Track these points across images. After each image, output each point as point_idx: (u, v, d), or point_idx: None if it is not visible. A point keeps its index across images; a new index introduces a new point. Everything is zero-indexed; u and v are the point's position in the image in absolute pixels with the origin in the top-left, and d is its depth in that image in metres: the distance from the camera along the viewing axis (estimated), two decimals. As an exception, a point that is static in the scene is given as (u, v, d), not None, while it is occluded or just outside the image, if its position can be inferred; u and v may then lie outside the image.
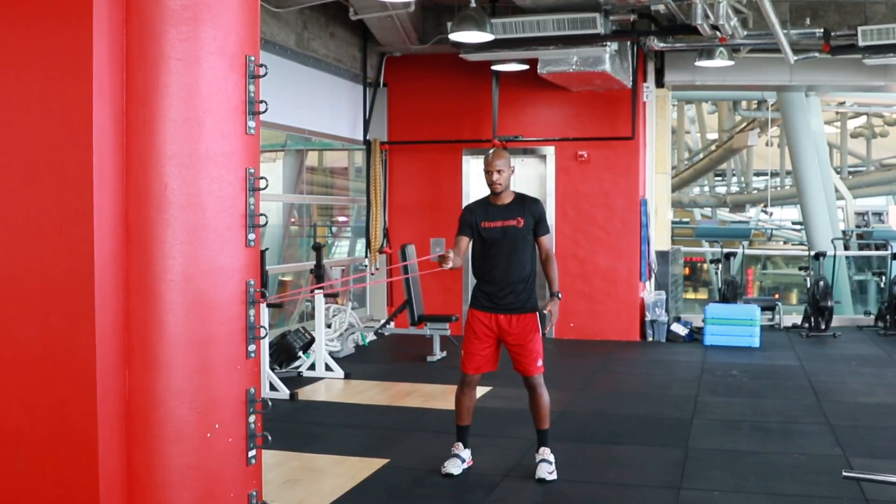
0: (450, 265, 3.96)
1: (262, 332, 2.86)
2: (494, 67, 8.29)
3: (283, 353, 6.70)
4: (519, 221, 4.15)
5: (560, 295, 4.18)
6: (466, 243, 4.21)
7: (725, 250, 9.75)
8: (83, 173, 2.55)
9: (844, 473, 3.44)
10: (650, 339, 8.47)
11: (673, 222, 10.05)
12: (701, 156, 21.64)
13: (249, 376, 2.83)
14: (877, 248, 10.74)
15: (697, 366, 7.24)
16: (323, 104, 8.17)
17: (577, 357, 7.73)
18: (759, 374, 6.87)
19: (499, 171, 4.14)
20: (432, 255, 8.37)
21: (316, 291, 6.72)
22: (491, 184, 4.16)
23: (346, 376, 6.60)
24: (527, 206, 4.19)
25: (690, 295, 15.91)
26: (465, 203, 8.63)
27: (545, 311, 4.12)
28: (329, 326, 7.92)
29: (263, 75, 2.84)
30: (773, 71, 8.49)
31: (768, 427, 5.18)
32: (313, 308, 6.86)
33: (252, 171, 2.83)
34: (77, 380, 2.55)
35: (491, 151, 4.22)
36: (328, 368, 6.67)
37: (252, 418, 2.81)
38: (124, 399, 2.61)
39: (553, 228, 8.61)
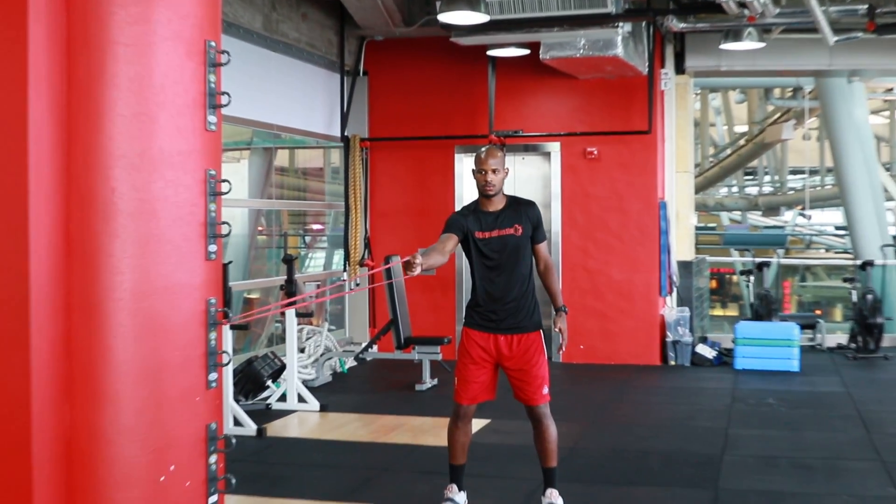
0: (418, 270, 3.76)
1: (225, 359, 2.87)
2: (490, 53, 8.33)
3: (250, 382, 6.70)
4: (517, 229, 4.17)
5: (566, 309, 4.22)
6: (453, 243, 4.15)
7: (758, 260, 9.78)
8: (16, 176, 2.54)
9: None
10: (672, 362, 8.50)
11: (697, 228, 10.08)
12: (728, 152, 21.75)
13: (210, 409, 2.83)
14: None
15: (727, 393, 7.25)
16: (294, 96, 8.21)
17: (589, 384, 7.73)
18: (798, 402, 6.89)
19: (493, 172, 4.16)
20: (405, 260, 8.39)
21: (287, 310, 6.73)
22: (483, 186, 4.17)
23: (322, 408, 6.60)
24: (522, 210, 4.22)
25: (718, 311, 15.97)
26: (457, 207, 8.66)
27: (555, 329, 4.14)
28: (302, 351, 7.93)
29: (226, 63, 2.85)
30: (811, 54, 8.57)
31: (811, 464, 5.19)
32: (284, 330, 6.89)
33: (213, 172, 2.84)
34: (7, 416, 2.54)
35: (483, 149, 4.25)
36: (301, 399, 6.67)
37: (213, 458, 2.80)
38: (64, 438, 2.59)
39: (559, 236, 8.73)
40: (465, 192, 8.73)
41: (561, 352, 4.19)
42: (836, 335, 9.50)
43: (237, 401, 6.33)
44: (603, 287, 8.62)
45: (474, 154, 4.27)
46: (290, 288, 6.94)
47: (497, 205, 4.22)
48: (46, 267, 2.58)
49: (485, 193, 4.19)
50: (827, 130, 14.67)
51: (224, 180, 2.89)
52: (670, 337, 8.51)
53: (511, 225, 4.17)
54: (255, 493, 4.60)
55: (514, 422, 5.66)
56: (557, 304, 4.20)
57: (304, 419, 6.42)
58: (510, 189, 8.39)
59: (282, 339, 7.84)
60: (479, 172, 4.19)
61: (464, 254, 4.31)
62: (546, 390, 4.19)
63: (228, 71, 2.96)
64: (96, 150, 2.64)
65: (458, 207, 8.63)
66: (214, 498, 2.80)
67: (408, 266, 3.84)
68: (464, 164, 8.83)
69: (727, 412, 6.55)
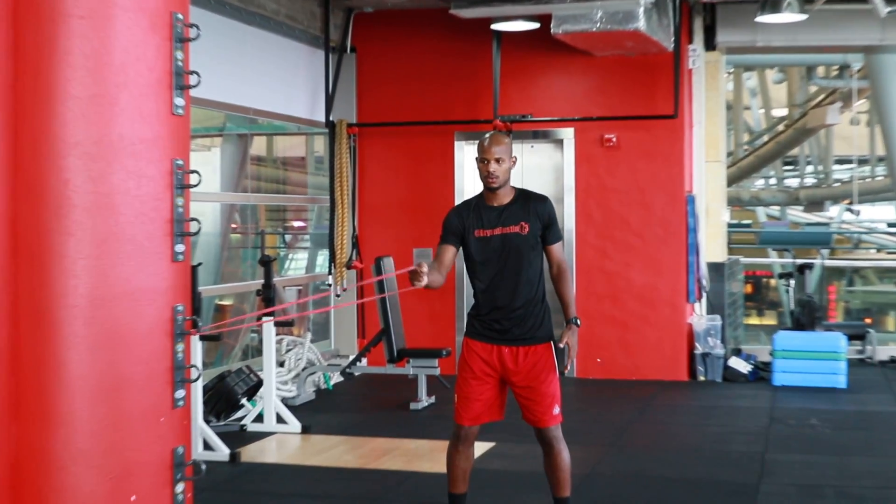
0: (424, 282, 3.88)
1: (194, 373, 2.88)
2: (495, 27, 8.30)
3: (222, 400, 6.69)
4: (523, 227, 4.16)
5: (579, 321, 4.19)
6: (451, 255, 4.23)
7: (799, 261, 9.78)
8: (-45, 166, 2.56)
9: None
10: (701, 378, 8.46)
11: (730, 225, 10.07)
12: (765, 139, 21.74)
13: (176, 431, 2.83)
14: None
15: (764, 413, 7.25)
16: (272, 75, 8.20)
17: (606, 402, 7.72)
18: (846, 423, 6.89)
19: (497, 161, 4.14)
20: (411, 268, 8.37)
21: (264, 319, 6.73)
22: (486, 177, 4.16)
23: (304, 430, 6.60)
24: (531, 206, 4.21)
25: (754, 320, 15.94)
26: (457, 202, 8.61)
27: (561, 343, 4.13)
28: (281, 365, 7.91)
29: (194, 38, 2.85)
30: (859, 27, 8.54)
31: (861, 494, 5.16)
32: (261, 341, 6.88)
33: (180, 162, 2.84)
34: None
35: (487, 135, 4.24)
36: (280, 420, 6.66)
37: (180, 487, 2.81)
38: (9, 463, 2.59)
39: (572, 234, 8.65)
40: (467, 184, 8.69)
41: (566, 370, 4.15)
42: (888, 347, 9.47)
43: (207, 421, 6.29)
44: (622, 292, 8.58)
45: (477, 141, 4.27)
46: (267, 293, 6.91)
47: (502, 199, 4.20)
48: (-10, 269, 2.58)
49: (488, 186, 4.18)
50: (878, 114, 14.65)
51: (193, 171, 2.89)
52: (699, 349, 8.45)
53: (516, 222, 4.16)
54: (227, 526, 4.61)
55: (522, 445, 5.63)
56: (569, 314, 4.18)
57: (283, 442, 6.41)
58: (517, 181, 8.40)
59: (258, 351, 7.74)
60: (482, 162, 4.17)
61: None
62: (557, 410, 4.18)
63: (198, 47, 2.96)
64: (47, 137, 2.64)
65: (458, 201, 8.65)
66: (181, 531, 2.81)
67: (414, 276, 3.88)
68: (465, 153, 8.79)
69: (764, 435, 6.53)
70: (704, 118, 8.91)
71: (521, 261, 4.16)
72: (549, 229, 4.20)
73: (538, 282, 4.21)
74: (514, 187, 4.26)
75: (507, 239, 4.16)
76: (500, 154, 4.15)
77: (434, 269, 4.10)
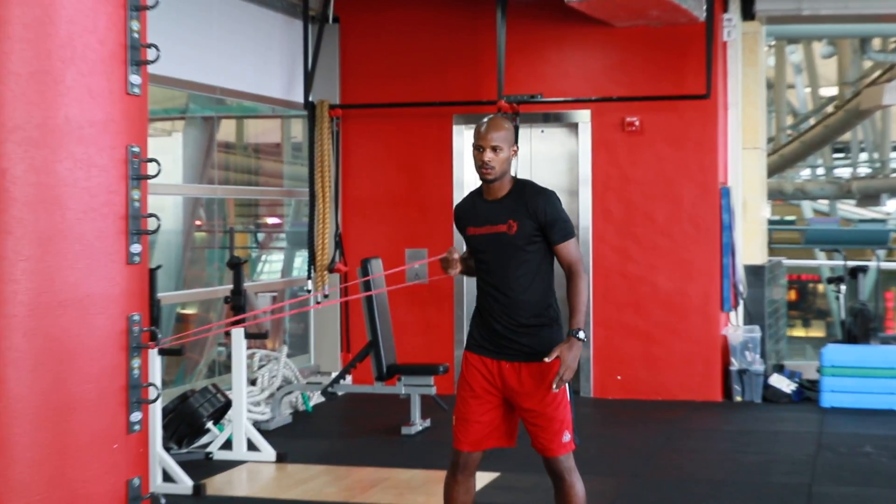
0: (458, 270, 4.23)
1: (152, 393, 2.88)
2: (501, -7, 8.39)
3: (184, 424, 6.69)
4: (510, 226, 4.18)
5: (582, 335, 4.07)
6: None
7: (851, 264, 9.78)
8: None
9: None
10: (738, 398, 8.44)
11: (771, 222, 10.08)
12: (812, 122, 21.75)
13: (131, 460, 2.83)
14: None
15: (811, 439, 7.24)
16: (243, 49, 8.20)
17: (628, 426, 7.71)
18: (905, 451, 6.98)
19: (494, 149, 4.16)
20: (409, 267, 8.34)
21: (233, 330, 6.72)
22: (480, 167, 4.19)
23: (280, 459, 6.60)
24: (525, 200, 4.21)
25: (799, 332, 15.93)
26: (456, 196, 8.64)
27: (547, 358, 4.03)
28: (253, 383, 7.88)
29: (153, 6, 2.86)
30: (921, -7, 8.57)
31: (919, 531, 5.24)
32: (229, 356, 6.85)
33: (136, 149, 2.84)
34: None
35: (486, 119, 4.26)
36: (252, 447, 6.65)
37: (136, 524, 2.80)
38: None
39: (588, 233, 8.68)
40: (468, 174, 8.65)
41: (554, 389, 4.05)
42: (953, 363, 9.51)
43: (168, 449, 6.26)
44: (647, 300, 8.57)
45: None
46: (237, 301, 6.93)
47: (498, 192, 4.24)
48: (-84, 273, 2.58)
49: (482, 177, 4.21)
50: (942, 94, 14.65)
51: (151, 160, 2.91)
52: (735, 365, 8.44)
53: (504, 220, 4.19)
54: (190, 569, 4.61)
55: (530, 476, 5.66)
56: (571, 324, 4.07)
57: (255, 472, 6.39)
58: (524, 171, 8.42)
59: (226, 367, 7.73)
60: (477, 149, 4.19)
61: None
62: (568, 437, 4.17)
63: (156, 16, 2.96)
64: (-18, 120, 2.64)
65: (456, 196, 8.65)
66: (137, 576, 2.81)
67: (446, 264, 4.12)
68: (465, 139, 8.79)
69: (811, 464, 6.53)
70: (741, 98, 8.94)
71: (509, 263, 4.18)
72: (550, 228, 4.18)
73: (538, 288, 4.20)
74: (514, 178, 4.28)
75: (493, 239, 4.19)
76: (499, 141, 4.15)
77: (467, 257, 4.28)
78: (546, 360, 4.02)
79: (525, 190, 4.24)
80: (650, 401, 8.46)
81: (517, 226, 4.16)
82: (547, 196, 4.22)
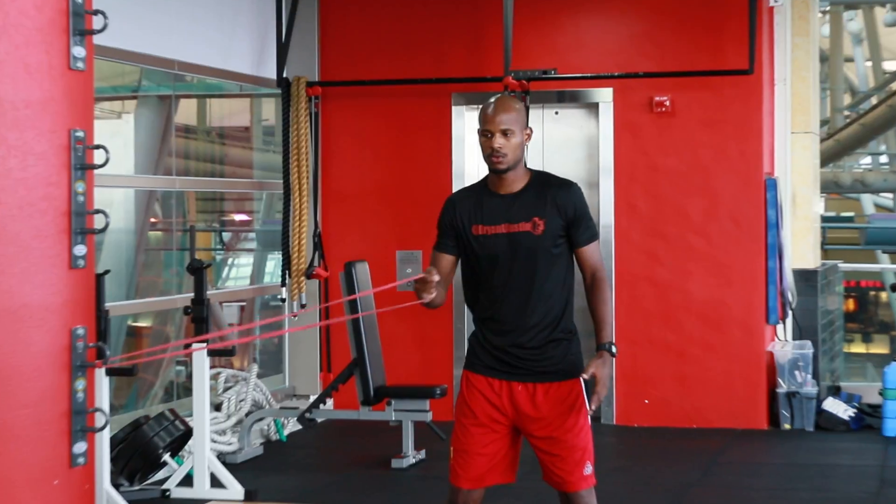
0: (432, 296, 4.05)
1: (100, 420, 2.89)
2: (507, -50, 8.37)
3: (137, 456, 6.65)
4: (536, 224, 4.20)
5: (615, 349, 4.19)
6: (449, 266, 4.31)
7: (918, 268, 9.79)
8: None
9: None
10: (787, 425, 8.44)
11: (824, 219, 10.06)
12: (874, 101, 21.72)
13: (74, 498, 2.82)
14: None
15: (873, 474, 7.23)
16: (206, 18, 8.18)
17: (658, 458, 7.70)
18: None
19: (504, 134, 4.18)
20: (402, 280, 8.33)
21: (194, 346, 6.69)
22: (489, 155, 4.20)
23: (249, 496, 6.56)
24: (550, 195, 4.23)
25: (858, 348, 15.91)
26: (457, 188, 8.61)
27: (586, 374, 4.13)
28: (218, 408, 7.88)
29: (98, -34, 2.85)
30: None
31: None
32: (190, 376, 6.98)
33: (80, 134, 2.84)
34: None
35: (493, 99, 4.28)
36: (216, 483, 6.62)
37: (80, 573, 2.81)
38: None
39: (610, 231, 8.66)
40: (469, 163, 8.72)
41: (591, 411, 4.15)
42: None
43: (117, 486, 6.24)
44: (679, 310, 8.58)
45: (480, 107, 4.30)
46: (199, 312, 6.93)
47: (512, 185, 4.25)
48: None
49: (492, 167, 4.23)
50: None
51: (98, 146, 2.89)
52: (783, 387, 8.44)
53: (527, 217, 4.20)
54: None
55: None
56: (602, 337, 4.19)
57: (219, 513, 6.41)
58: (535, 161, 8.40)
59: (186, 389, 7.77)
60: (485, 135, 4.20)
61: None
62: (590, 469, 4.18)
63: (103, -21, 2.96)
64: None
65: (456, 189, 8.63)
66: None
67: (422, 286, 4.01)
68: (466, 122, 8.77)
69: (873, 503, 6.52)
70: (790, 74, 9.02)
71: (535, 268, 4.19)
72: (577, 226, 4.22)
73: (562, 296, 4.25)
74: (530, 170, 4.30)
75: (514, 239, 4.20)
76: (509, 124, 4.17)
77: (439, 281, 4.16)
78: (584, 376, 4.07)
79: (550, 182, 4.28)
80: (683, 429, 8.47)
81: (544, 224, 4.18)
82: (573, 189, 4.28)
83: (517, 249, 4.19)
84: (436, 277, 4.03)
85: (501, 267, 4.21)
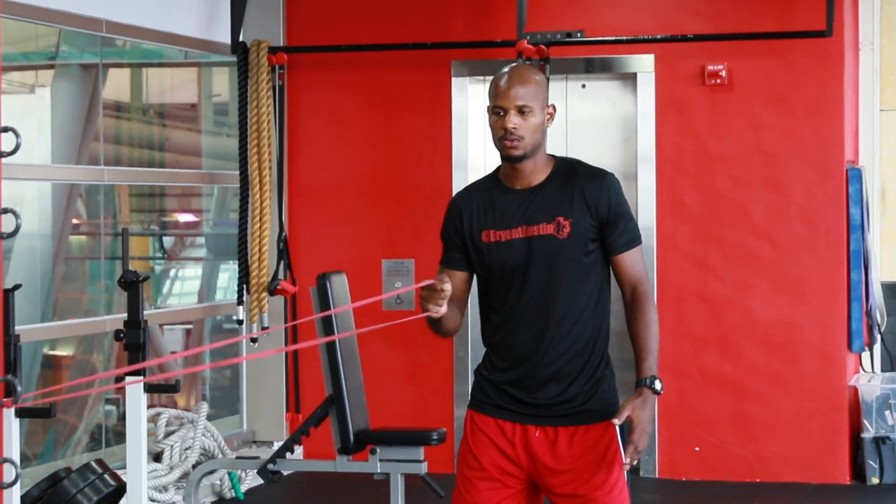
0: (441, 309, 4.03)
1: (9, 473, 3.13)
2: None
3: (56, 518, 6.42)
4: (560, 226, 4.28)
5: (658, 385, 4.19)
6: (462, 284, 4.36)
7: None
8: None
9: None
10: (875, 479, 8.49)
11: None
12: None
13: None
14: None
15: None
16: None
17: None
18: None
19: (521, 111, 4.25)
20: (388, 293, 8.33)
21: (128, 380, 6.70)
22: (501, 139, 4.26)
23: (197, 570, 6.53)
24: (579, 188, 4.29)
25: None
26: (457, 182, 8.72)
27: (620, 417, 4.16)
28: (158, 458, 8.01)
29: None
30: None
31: None
32: (122, 418, 6.94)
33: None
34: None
35: (506, 69, 4.32)
36: (156, 553, 6.51)
37: None
38: None
39: (651, 235, 8.78)
40: (474, 149, 8.79)
41: (626, 464, 4.19)
42: None
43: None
44: (737, 334, 8.61)
45: (490, 79, 4.30)
46: (133, 337, 6.82)
47: (530, 177, 4.32)
48: None
49: (506, 154, 4.25)
50: None
51: (5, 129, 3.08)
52: (870, 431, 8.44)
53: (550, 217, 4.26)
54: None
55: None
56: (643, 370, 4.19)
57: None
58: (557, 146, 8.35)
59: (118, 434, 7.84)
60: (496, 113, 4.25)
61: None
62: (626, 537, 4.13)
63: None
64: None
65: (458, 181, 8.80)
66: None
67: (429, 297, 4.05)
68: (470, 98, 8.90)
69: None
70: (878, 37, 8.94)
71: (559, 281, 4.25)
72: (613, 228, 4.27)
73: (594, 317, 4.30)
74: (552, 156, 4.35)
75: (533, 245, 4.25)
76: (527, 100, 4.25)
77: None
78: (615, 421, 4.12)
79: (576, 171, 4.31)
80: (743, 483, 8.55)
81: (570, 225, 4.25)
82: (608, 181, 4.30)
83: (537, 258, 4.24)
84: (448, 286, 4.02)
85: (517, 280, 4.26)
